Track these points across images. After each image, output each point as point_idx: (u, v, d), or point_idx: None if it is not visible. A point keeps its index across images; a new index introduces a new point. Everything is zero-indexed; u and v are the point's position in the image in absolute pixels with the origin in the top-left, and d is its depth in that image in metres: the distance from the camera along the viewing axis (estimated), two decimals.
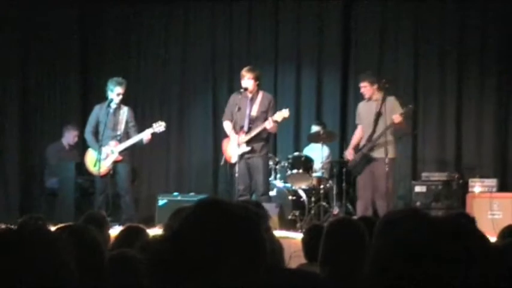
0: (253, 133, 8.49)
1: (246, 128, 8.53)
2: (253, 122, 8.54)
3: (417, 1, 10.76)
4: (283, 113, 8.53)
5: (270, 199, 8.90)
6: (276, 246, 3.17)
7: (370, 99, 8.69)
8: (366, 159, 8.55)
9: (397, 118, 8.39)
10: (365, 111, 8.79)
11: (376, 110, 8.56)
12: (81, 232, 2.84)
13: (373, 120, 8.57)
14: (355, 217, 8.34)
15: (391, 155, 8.48)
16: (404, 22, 10.89)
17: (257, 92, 8.61)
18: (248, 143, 8.52)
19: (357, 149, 8.80)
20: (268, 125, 8.41)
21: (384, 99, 8.52)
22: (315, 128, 10.18)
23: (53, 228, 2.97)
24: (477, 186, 9.36)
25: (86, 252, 2.70)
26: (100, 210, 7.73)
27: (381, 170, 8.39)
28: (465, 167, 10.38)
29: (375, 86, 8.64)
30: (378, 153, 8.51)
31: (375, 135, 8.51)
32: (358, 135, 8.91)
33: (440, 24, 10.71)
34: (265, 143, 8.71)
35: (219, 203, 1.75)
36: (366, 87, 8.67)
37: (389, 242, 1.33)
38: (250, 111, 8.55)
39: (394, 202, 8.68)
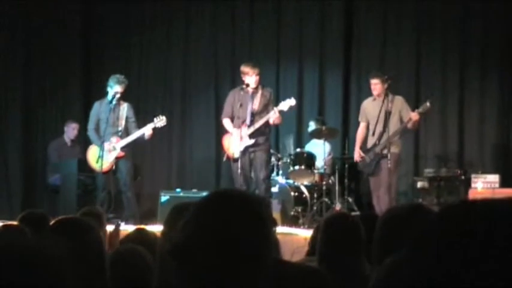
0: (257, 125, 8.39)
1: (248, 122, 8.46)
2: (255, 116, 8.48)
3: None
4: (289, 102, 8.49)
5: (271, 196, 8.86)
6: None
7: (378, 97, 8.61)
8: (378, 158, 8.49)
9: (415, 116, 8.37)
10: (372, 109, 8.69)
11: (385, 109, 8.49)
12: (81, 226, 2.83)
13: (382, 119, 8.50)
14: (357, 213, 8.39)
15: (394, 150, 8.44)
16: (406, 18, 10.87)
17: (257, 88, 8.58)
18: (251, 136, 8.45)
19: (364, 147, 8.74)
20: (273, 115, 8.32)
21: (388, 97, 8.48)
22: (312, 126, 10.18)
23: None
24: (479, 182, 9.32)
25: (86, 248, 2.70)
26: (98, 207, 7.72)
27: (385, 165, 8.38)
28: (467, 163, 10.37)
29: (385, 85, 8.58)
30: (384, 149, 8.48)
31: (390, 134, 8.39)
32: (363, 134, 8.84)
33: (442, 20, 10.69)
34: (267, 137, 8.63)
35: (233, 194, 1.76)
36: (377, 85, 8.56)
37: (396, 236, 1.33)
38: (252, 105, 8.50)
39: (396, 197, 8.64)
